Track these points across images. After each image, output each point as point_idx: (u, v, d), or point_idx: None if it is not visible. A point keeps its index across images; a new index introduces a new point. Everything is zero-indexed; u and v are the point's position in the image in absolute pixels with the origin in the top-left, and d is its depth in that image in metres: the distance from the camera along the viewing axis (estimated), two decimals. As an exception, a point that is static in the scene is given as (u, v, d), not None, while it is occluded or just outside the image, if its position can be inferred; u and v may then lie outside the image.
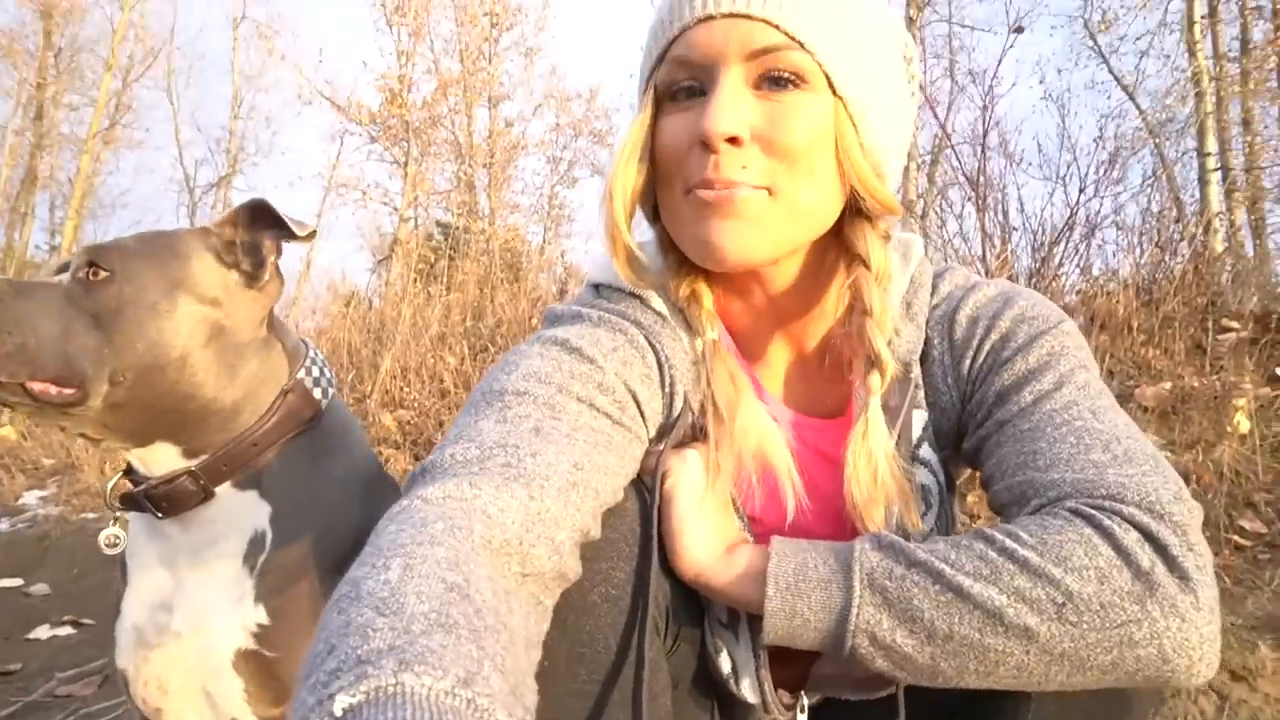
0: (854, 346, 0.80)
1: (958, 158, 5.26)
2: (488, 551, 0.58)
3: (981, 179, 4.42)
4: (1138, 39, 9.47)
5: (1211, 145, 8.32)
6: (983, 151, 4.62)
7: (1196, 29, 8.31)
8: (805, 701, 0.83)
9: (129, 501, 0.94)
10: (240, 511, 0.94)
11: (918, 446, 0.81)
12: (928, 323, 0.84)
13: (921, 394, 0.82)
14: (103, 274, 0.88)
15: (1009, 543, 0.62)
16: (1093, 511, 0.63)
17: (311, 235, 0.97)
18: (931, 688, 0.67)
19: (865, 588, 0.64)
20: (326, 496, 0.98)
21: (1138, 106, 9.52)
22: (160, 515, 0.92)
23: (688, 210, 0.76)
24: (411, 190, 14.41)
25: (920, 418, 0.82)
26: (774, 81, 0.73)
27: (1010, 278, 3.59)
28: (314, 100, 14.61)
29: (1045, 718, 0.70)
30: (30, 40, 15.50)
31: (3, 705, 1.85)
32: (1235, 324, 3.26)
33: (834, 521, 0.81)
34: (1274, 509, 2.16)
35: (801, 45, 0.72)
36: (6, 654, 2.13)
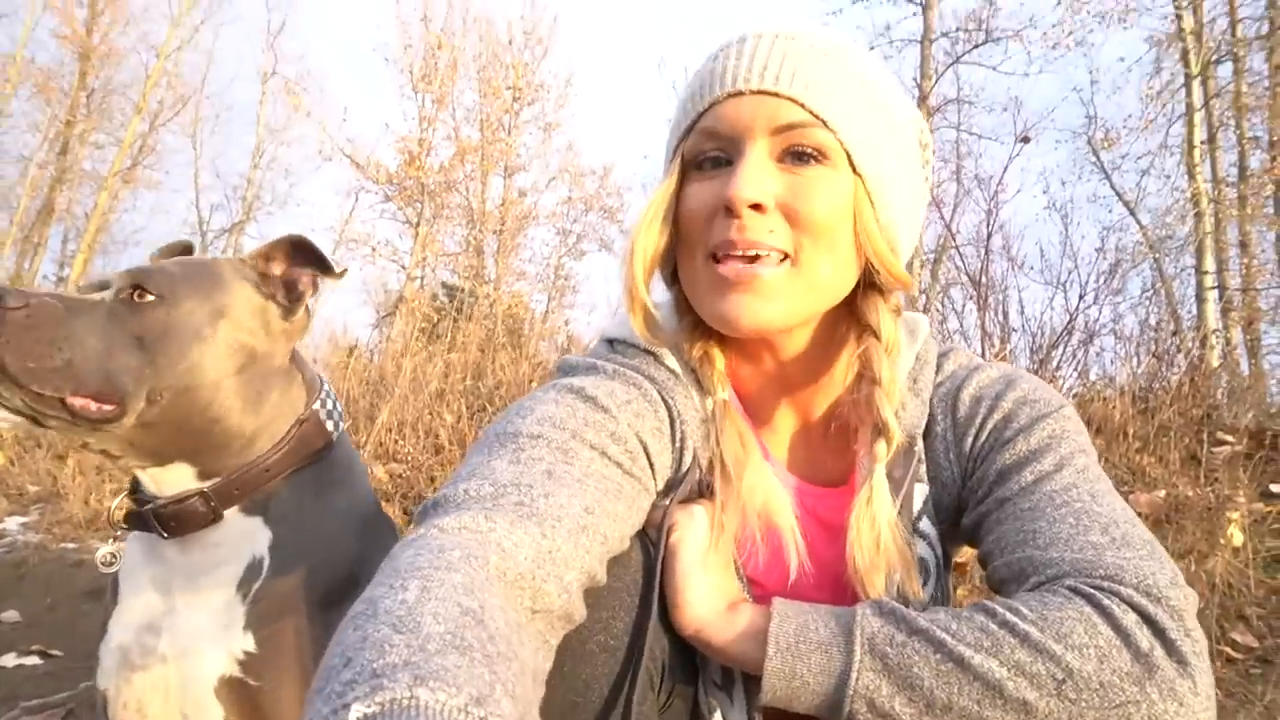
0: (861, 414, 0.82)
1: (961, 257, 5.38)
2: (502, 583, 0.58)
3: (984, 279, 4.52)
4: (1139, 158, 9.76)
5: (1209, 264, 8.50)
6: (986, 253, 4.73)
7: (1196, 153, 8.58)
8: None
9: (135, 520, 0.94)
10: (243, 536, 0.94)
11: (918, 519, 0.82)
12: (931, 399, 0.86)
13: (924, 468, 0.84)
14: (149, 297, 0.90)
15: (1010, 616, 0.63)
16: (1092, 591, 0.63)
17: (343, 274, 1.01)
18: None
19: (866, 653, 0.64)
20: (326, 529, 0.98)
21: (1138, 222, 9.76)
22: (165, 535, 0.92)
23: (708, 278, 0.79)
24: (421, 250, 14.60)
25: (921, 491, 0.83)
26: (797, 156, 0.76)
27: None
28: (334, 156, 14.91)
29: None
30: (66, 79, 15.91)
31: (-40, 733, 1.80)
32: (1230, 438, 3.28)
33: (832, 588, 0.81)
34: (1265, 623, 2.14)
35: (825, 124, 0.75)
36: (-31, 681, 2.08)
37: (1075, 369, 4.09)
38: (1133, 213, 10.05)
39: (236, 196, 17.46)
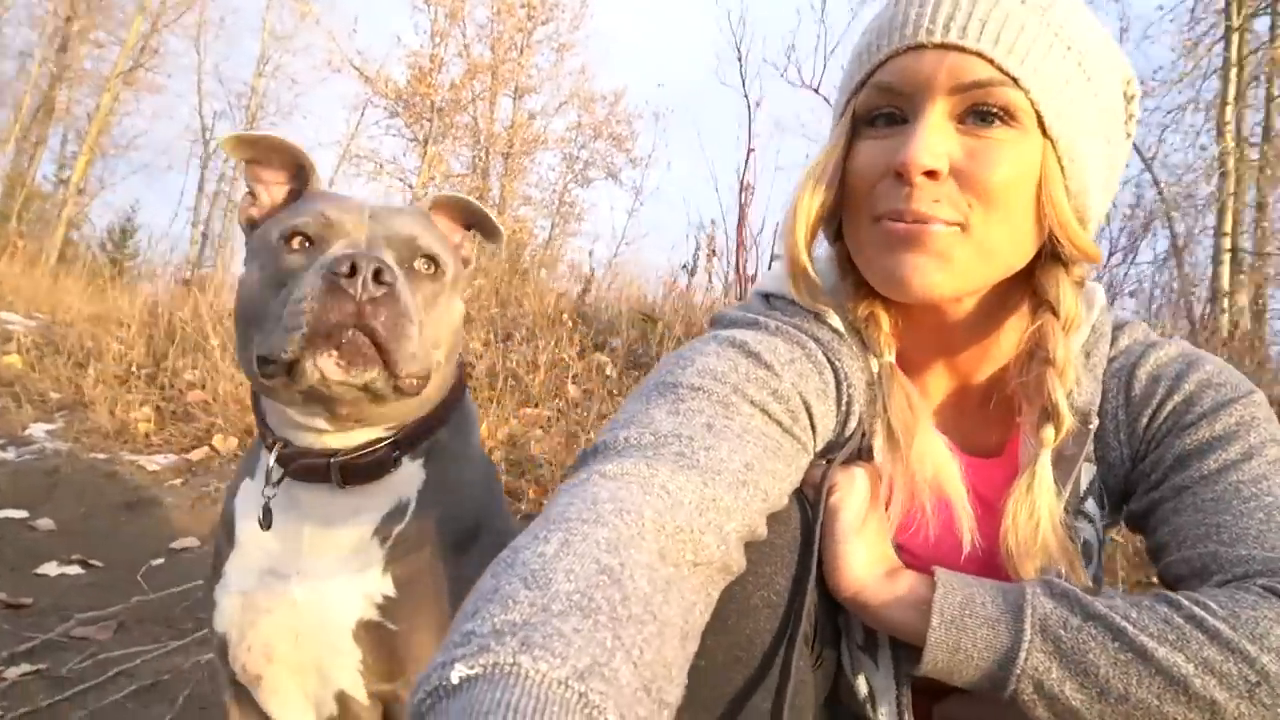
0: (1030, 394, 0.78)
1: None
2: (660, 536, 0.56)
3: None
4: (1168, 112, 9.55)
5: (1228, 225, 8.42)
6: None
7: (1229, 110, 8.40)
8: (930, 736, 0.82)
9: (305, 472, 0.90)
10: (403, 481, 0.93)
11: (1083, 500, 0.80)
12: (1104, 374, 0.82)
13: (1092, 447, 0.81)
14: (435, 270, 0.91)
15: (1197, 610, 0.61)
16: None
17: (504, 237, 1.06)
18: None
19: (1037, 633, 0.63)
20: (465, 473, 0.98)
21: (1154, 179, 9.61)
22: (344, 485, 0.90)
23: (876, 238, 0.75)
24: (428, 169, 14.35)
25: (1089, 471, 0.80)
26: (980, 116, 0.71)
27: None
28: (342, 68, 14.54)
29: None
30: (64, -28, 15.36)
31: (18, 640, 1.81)
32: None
33: (983, 564, 0.79)
34: None
35: (1016, 82, 0.70)
36: (15, 586, 2.08)
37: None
38: (1150, 169, 9.91)
39: (240, 105, 17.11)
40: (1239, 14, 8.38)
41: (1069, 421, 0.75)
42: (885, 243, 0.74)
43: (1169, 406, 0.78)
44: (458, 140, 15.45)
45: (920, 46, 0.72)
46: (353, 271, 0.78)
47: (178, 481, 2.89)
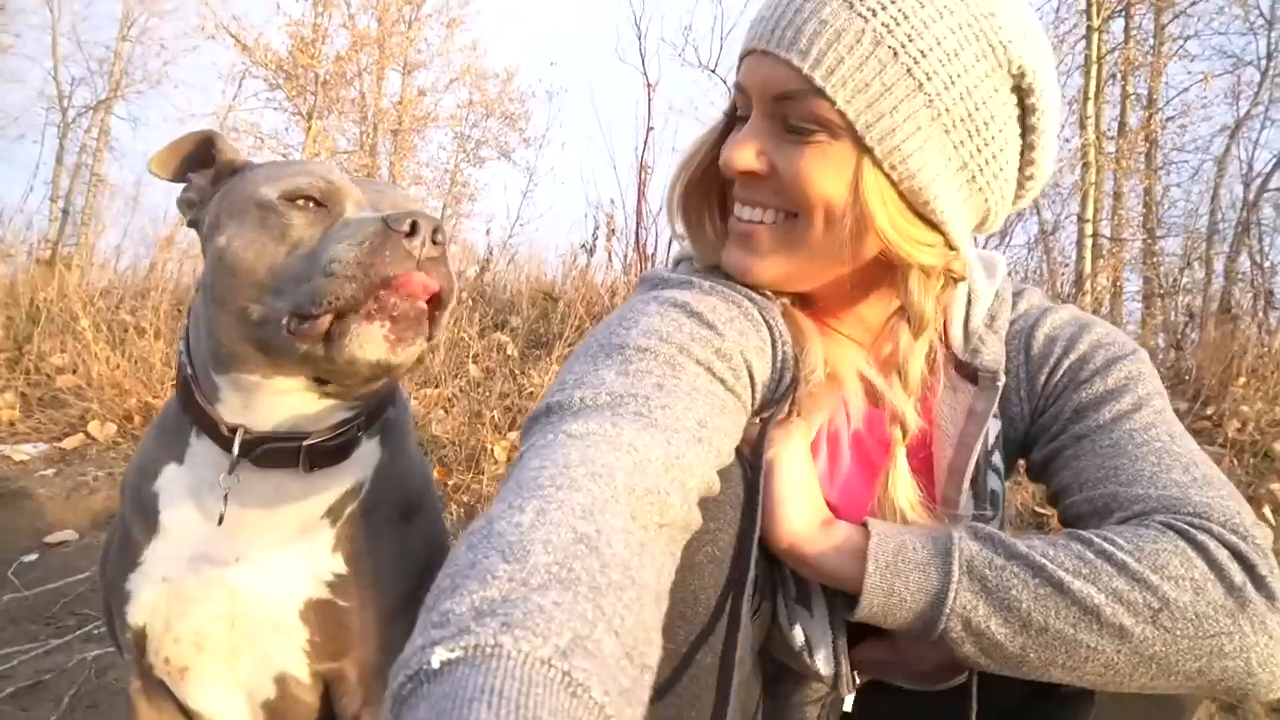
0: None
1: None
2: (631, 498, 0.57)
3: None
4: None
5: (1089, 212, 9.01)
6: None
7: (1089, 105, 8.97)
8: (858, 680, 0.86)
9: (273, 456, 0.85)
10: (362, 460, 0.90)
11: (991, 453, 0.85)
12: (1006, 337, 0.88)
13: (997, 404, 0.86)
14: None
15: (1107, 546, 0.66)
16: (1184, 526, 0.67)
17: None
18: (989, 685, 0.72)
19: (964, 573, 0.67)
20: (410, 445, 0.96)
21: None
22: (311, 469, 0.85)
23: (730, 228, 0.83)
24: (312, 145, 13.76)
25: (995, 426, 0.86)
26: (789, 126, 0.74)
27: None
28: (216, 35, 13.69)
29: None
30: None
31: None
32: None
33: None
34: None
35: (820, 92, 0.71)
36: None
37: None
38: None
39: (103, 71, 15.81)
40: (1099, 15, 8.93)
41: (913, 429, 0.80)
42: (731, 235, 0.82)
43: (1065, 364, 0.84)
44: (344, 115, 14.86)
45: (753, 51, 0.76)
46: (413, 230, 0.75)
47: (50, 471, 2.69)
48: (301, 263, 0.77)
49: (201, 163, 0.93)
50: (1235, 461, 2.75)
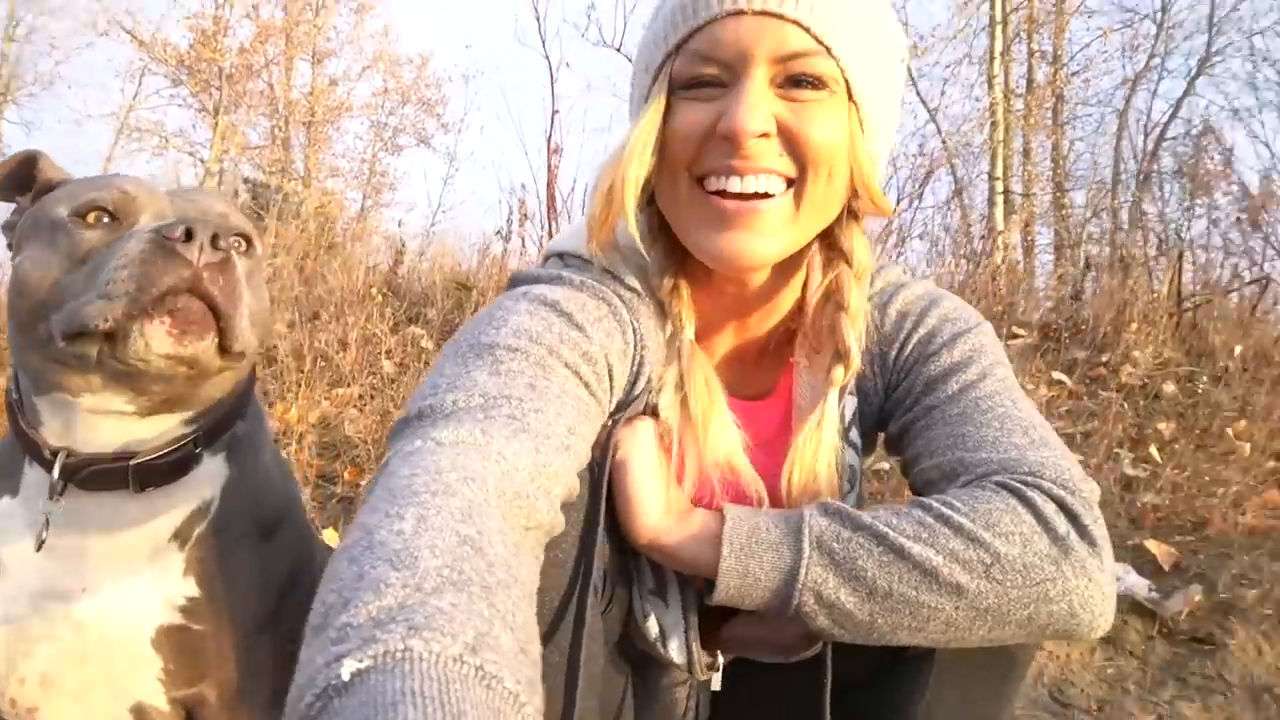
0: (823, 339, 0.85)
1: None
2: (501, 501, 0.59)
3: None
4: (947, 67, 10.33)
5: (999, 170, 9.27)
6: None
7: (996, 64, 9.19)
8: (721, 661, 0.88)
9: (97, 479, 0.81)
10: (205, 479, 0.86)
11: (848, 429, 0.87)
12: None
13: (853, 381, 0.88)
14: (248, 248, 0.86)
15: (945, 510, 0.69)
16: (1017, 485, 0.71)
17: None
18: (843, 654, 0.74)
19: (814, 549, 0.69)
20: (266, 461, 0.93)
21: (939, 129, 10.41)
22: (141, 490, 0.82)
23: (701, 212, 0.77)
24: (220, 142, 13.31)
25: (851, 402, 0.88)
26: (796, 83, 0.74)
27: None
28: (110, 31, 13.12)
29: (945, 680, 0.78)
30: None
31: None
32: (1023, 331, 3.69)
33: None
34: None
35: (828, 51, 0.74)
36: None
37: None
38: (934, 120, 10.72)
39: (-13, 74, 15.03)
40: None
41: (856, 363, 0.82)
42: (713, 218, 0.76)
43: (914, 339, 0.87)
44: (253, 109, 14.41)
45: (740, 13, 0.73)
46: (188, 237, 0.73)
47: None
48: (83, 280, 0.75)
49: (26, 184, 0.89)
50: (1125, 404, 2.88)
